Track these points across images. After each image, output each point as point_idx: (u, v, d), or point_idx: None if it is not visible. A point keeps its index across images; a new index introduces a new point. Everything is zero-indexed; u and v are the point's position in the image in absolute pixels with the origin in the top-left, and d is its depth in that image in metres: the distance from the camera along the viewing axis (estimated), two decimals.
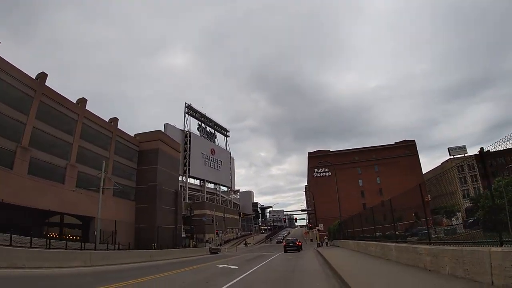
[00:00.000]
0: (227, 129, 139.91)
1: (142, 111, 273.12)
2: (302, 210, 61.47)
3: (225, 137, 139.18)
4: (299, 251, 39.28)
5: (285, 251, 39.45)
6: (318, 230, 52.65)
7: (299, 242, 42.95)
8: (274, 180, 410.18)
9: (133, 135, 65.71)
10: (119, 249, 38.50)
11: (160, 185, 60.98)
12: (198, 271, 19.22)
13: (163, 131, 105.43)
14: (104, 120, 57.38)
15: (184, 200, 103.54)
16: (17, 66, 41.53)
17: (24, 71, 42.45)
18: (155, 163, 61.97)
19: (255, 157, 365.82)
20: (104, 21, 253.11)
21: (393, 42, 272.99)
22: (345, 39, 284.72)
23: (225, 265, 22.28)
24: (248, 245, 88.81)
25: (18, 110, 41.21)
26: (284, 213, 61.24)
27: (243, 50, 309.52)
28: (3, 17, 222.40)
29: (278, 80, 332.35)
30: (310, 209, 59.26)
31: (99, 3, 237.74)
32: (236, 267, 20.43)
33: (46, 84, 46.59)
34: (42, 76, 47.17)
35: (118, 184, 43.06)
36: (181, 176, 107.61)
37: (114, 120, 60.41)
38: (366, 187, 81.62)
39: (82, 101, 54.24)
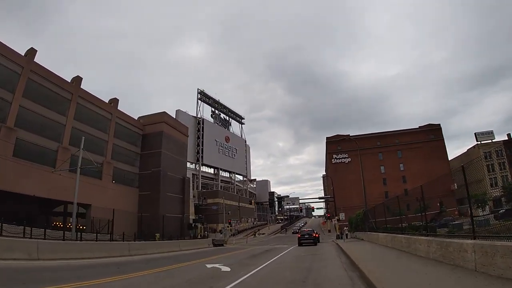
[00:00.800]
0: (242, 116, 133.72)
1: (157, 102, 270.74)
2: (319, 198, 54.90)
3: (240, 125, 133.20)
4: (315, 244, 33.08)
5: (300, 244, 33.39)
6: (338, 220, 46.24)
7: (316, 233, 37.06)
8: (292, 170, 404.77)
9: (136, 118, 60.56)
10: (111, 240, 32.93)
11: (165, 170, 55.50)
12: (168, 276, 13.23)
13: (174, 117, 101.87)
14: (102, 100, 52.14)
15: (197, 188, 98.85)
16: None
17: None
18: (159, 147, 56.39)
19: (273, 147, 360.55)
20: (117, 13, 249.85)
21: (412, 29, 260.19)
22: (363, 27, 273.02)
23: (216, 265, 16.27)
24: (261, 235, 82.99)
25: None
26: (300, 201, 54.96)
27: (260, 39, 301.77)
28: (16, 10, 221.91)
29: (295, 69, 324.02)
30: (328, 196, 52.81)
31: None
32: (228, 269, 14.50)
33: (37, 61, 42.10)
34: (31, 52, 42.53)
35: (97, 164, 37.14)
36: (194, 164, 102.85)
37: (114, 101, 55.13)
38: (388, 174, 74.12)
39: (77, 80, 49.23)
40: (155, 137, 57.37)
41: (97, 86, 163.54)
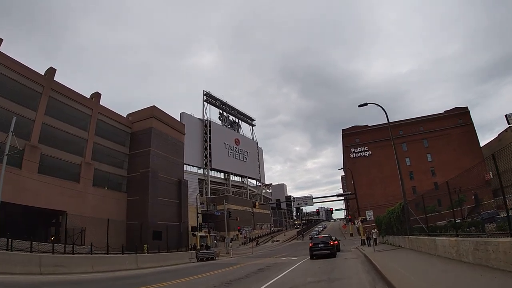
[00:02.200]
0: (252, 118, 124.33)
1: (169, 111, 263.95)
2: (337, 195, 44.36)
3: (251, 126, 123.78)
4: (334, 256, 23.08)
5: (312, 257, 23.32)
6: (362, 220, 35.95)
7: (335, 240, 27.02)
8: (310, 175, 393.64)
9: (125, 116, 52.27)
10: (73, 252, 24.05)
11: (155, 171, 46.52)
12: None
13: (179, 120, 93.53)
14: (79, 94, 43.98)
15: (206, 194, 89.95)
16: None
17: None
18: (148, 145, 47.56)
19: (290, 152, 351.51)
20: (126, 25, 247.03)
21: (421, 24, 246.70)
22: (373, 24, 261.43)
23: None
24: (275, 242, 72.86)
25: None
26: (314, 200, 44.88)
27: (269, 43, 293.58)
28: (30, 34, 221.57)
29: (307, 71, 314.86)
30: (349, 193, 42.65)
31: (120, 8, 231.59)
32: None
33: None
34: None
35: (19, 149, 28.16)
36: (202, 169, 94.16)
37: (96, 96, 47.01)
38: (415, 167, 62.65)
39: (50, 72, 41.35)
40: (144, 135, 48.66)
41: (113, 99, 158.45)
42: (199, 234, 64.55)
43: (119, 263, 20.32)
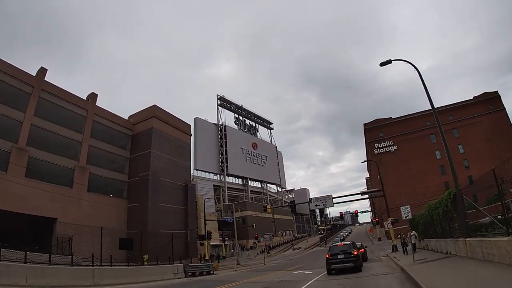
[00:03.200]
0: (270, 121, 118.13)
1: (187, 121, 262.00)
2: (362, 193, 37.40)
3: (269, 130, 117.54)
4: (359, 269, 16.92)
5: (330, 271, 17.22)
6: (393, 222, 29.29)
7: (359, 249, 20.41)
8: (334, 179, 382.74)
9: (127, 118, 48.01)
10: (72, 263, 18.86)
11: (156, 175, 41.58)
12: None
13: (192, 126, 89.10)
14: (73, 94, 40.03)
15: (223, 201, 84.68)
16: None
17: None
18: (148, 146, 42.86)
19: (312, 157, 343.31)
20: (145, 38, 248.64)
21: (437, 19, 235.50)
22: (388, 23, 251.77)
23: None
24: (297, 250, 66.37)
25: None
26: (334, 200, 38.31)
27: (286, 49, 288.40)
28: (49, 53, 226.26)
29: (326, 75, 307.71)
30: (374, 189, 35.92)
31: (135, 22, 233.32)
32: None
33: None
34: None
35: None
36: (218, 175, 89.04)
37: (92, 97, 42.82)
38: (446, 160, 54.67)
39: (41, 72, 37.65)
40: (144, 136, 43.96)
41: (130, 112, 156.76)
42: (209, 243, 59.41)
43: (67, 277, 15.00)
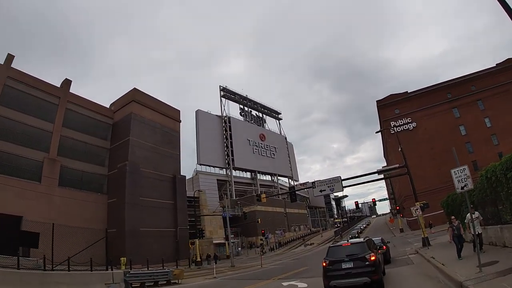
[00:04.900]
0: (278, 111, 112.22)
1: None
2: (378, 172, 30.67)
3: (277, 120, 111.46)
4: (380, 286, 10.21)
5: None
6: (422, 207, 22.79)
7: (377, 249, 12.86)
8: (350, 171, 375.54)
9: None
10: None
11: (135, 165, 36.52)
12: None
13: (194, 118, 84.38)
14: (42, 80, 35.71)
15: (231, 197, 79.75)
16: None
17: None
18: (127, 134, 38.19)
19: (328, 150, 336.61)
20: (155, 42, 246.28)
21: (448, 2, 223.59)
22: (399, 8, 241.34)
23: None
24: (309, 246, 60.71)
25: None
26: (344, 182, 32.74)
27: (297, 42, 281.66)
28: (61, 62, 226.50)
29: (337, 65, 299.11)
30: (395, 166, 29.50)
31: (145, 26, 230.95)
32: None
33: None
34: None
35: None
36: (224, 170, 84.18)
37: (66, 83, 38.34)
38: (472, 136, 47.04)
39: (8, 59, 33.56)
40: (124, 123, 39.19)
41: None
42: (212, 242, 54.70)
43: None
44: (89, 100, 39.89)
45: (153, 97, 43.41)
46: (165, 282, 18.51)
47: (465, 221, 12.95)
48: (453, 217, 13.52)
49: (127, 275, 15.47)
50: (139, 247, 33.02)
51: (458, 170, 10.26)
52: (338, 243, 12.37)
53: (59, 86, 37.67)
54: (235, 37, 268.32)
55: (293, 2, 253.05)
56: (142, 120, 40.03)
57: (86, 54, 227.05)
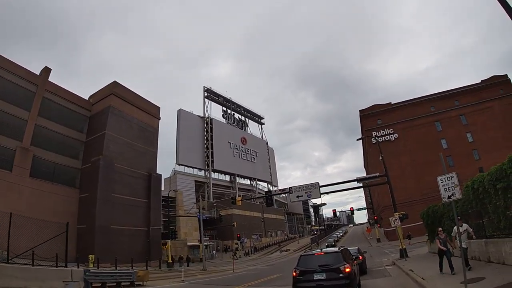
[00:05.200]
0: (261, 116, 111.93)
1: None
2: (358, 180, 30.21)
3: (260, 125, 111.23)
4: None
5: None
6: (401, 218, 22.59)
7: (352, 260, 11.59)
8: (330, 179, 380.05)
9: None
10: None
11: (109, 160, 35.26)
12: None
13: (176, 118, 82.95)
14: (20, 66, 34.10)
15: (209, 199, 78.66)
16: None
17: None
18: (104, 127, 36.87)
19: (309, 157, 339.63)
20: (144, 39, 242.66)
21: (436, 19, 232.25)
22: (387, 23, 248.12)
23: None
24: (284, 252, 60.30)
25: None
26: (322, 189, 32.46)
27: (285, 49, 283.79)
28: (48, 50, 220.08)
29: (324, 75, 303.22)
30: (375, 174, 29.31)
31: (133, 22, 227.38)
32: None
33: None
34: None
35: None
36: (203, 171, 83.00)
37: (45, 71, 36.74)
38: (453, 150, 47.85)
39: None
40: (102, 116, 37.84)
41: None
42: (186, 244, 53.67)
43: None
44: (68, 91, 38.39)
45: (133, 91, 42.18)
46: (128, 283, 17.29)
47: (452, 234, 11.97)
48: (440, 228, 12.35)
49: (87, 273, 14.33)
50: (109, 245, 31.69)
51: (445, 178, 9.63)
52: (311, 252, 11.58)
53: (38, 74, 36.19)
54: (224, 39, 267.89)
55: (286, 10, 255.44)
56: (120, 114, 38.76)
57: (72, 48, 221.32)
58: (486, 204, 11.25)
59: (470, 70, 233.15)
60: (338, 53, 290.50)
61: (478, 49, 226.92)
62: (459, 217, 10.96)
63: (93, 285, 14.57)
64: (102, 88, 40.91)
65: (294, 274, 10.01)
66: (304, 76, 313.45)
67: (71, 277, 13.53)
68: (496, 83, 52.40)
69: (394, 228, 24.79)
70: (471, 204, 12.61)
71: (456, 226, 10.44)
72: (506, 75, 53.13)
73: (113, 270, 18.51)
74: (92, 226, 31.61)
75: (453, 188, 9.37)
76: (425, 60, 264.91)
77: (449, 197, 9.43)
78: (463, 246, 10.29)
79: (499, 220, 10.39)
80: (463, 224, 11.44)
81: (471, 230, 11.44)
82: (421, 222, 22.44)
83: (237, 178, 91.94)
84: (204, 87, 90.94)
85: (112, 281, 16.02)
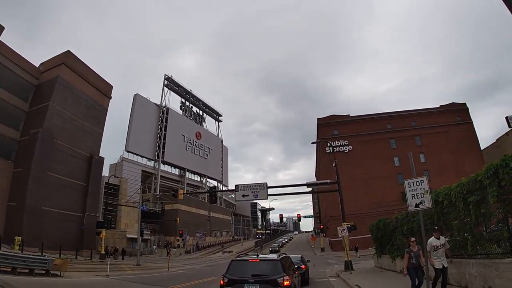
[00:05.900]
0: (220, 113, 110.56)
1: None
2: (308, 185, 30.08)
3: (217, 122, 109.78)
4: None
5: None
6: (349, 228, 22.46)
7: (293, 273, 9.84)
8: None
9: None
10: None
11: (48, 134, 32.67)
12: None
13: (132, 102, 79.22)
14: None
15: (155, 191, 75.72)
16: None
17: None
18: (49, 98, 33.89)
19: (263, 161, 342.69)
20: (113, 21, 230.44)
21: (405, 44, 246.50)
22: (356, 41, 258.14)
23: None
24: (227, 253, 59.61)
25: None
26: (269, 191, 31.92)
27: (253, 52, 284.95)
28: (9, 20, 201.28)
29: (288, 83, 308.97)
30: (327, 181, 29.55)
31: (108, 4, 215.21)
32: None
33: None
34: None
35: None
36: (152, 162, 79.88)
37: None
38: (405, 168, 49.08)
39: None
40: (48, 86, 34.85)
41: None
42: (125, 235, 51.28)
43: None
44: (17, 53, 34.81)
45: (86, 65, 39.36)
46: (43, 272, 15.67)
47: (427, 249, 9.24)
48: (413, 239, 9.86)
49: None
50: (39, 228, 29.01)
51: (414, 182, 8.73)
52: (244, 257, 10.21)
53: None
54: (194, 34, 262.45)
55: (259, 16, 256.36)
56: (69, 86, 35.90)
57: (34, 16, 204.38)
58: (451, 220, 10.24)
59: (430, 97, 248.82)
60: (304, 64, 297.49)
61: (440, 79, 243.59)
62: (435, 227, 9.78)
63: (1, 268, 12.81)
64: (54, 57, 37.68)
65: (221, 282, 8.54)
66: (269, 82, 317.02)
67: None
68: (454, 109, 55.91)
69: (341, 238, 24.43)
70: (431, 218, 11.37)
71: (431, 239, 9.14)
72: (465, 103, 56.95)
73: (26, 255, 16.34)
74: (22, 205, 28.83)
75: (422, 195, 8.55)
76: (387, 82, 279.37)
77: (417, 205, 8.61)
78: (444, 265, 8.81)
79: (464, 238, 9.42)
80: (441, 237, 9.24)
81: (448, 246, 9.31)
82: (369, 235, 22.13)
83: (187, 173, 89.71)
84: (165, 75, 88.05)
85: (23, 267, 14.23)
